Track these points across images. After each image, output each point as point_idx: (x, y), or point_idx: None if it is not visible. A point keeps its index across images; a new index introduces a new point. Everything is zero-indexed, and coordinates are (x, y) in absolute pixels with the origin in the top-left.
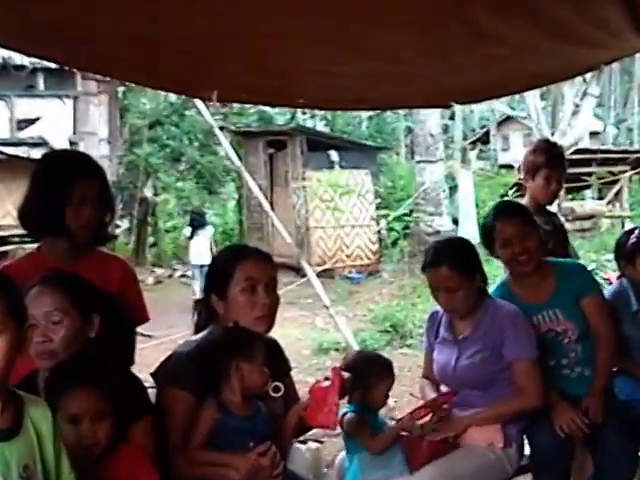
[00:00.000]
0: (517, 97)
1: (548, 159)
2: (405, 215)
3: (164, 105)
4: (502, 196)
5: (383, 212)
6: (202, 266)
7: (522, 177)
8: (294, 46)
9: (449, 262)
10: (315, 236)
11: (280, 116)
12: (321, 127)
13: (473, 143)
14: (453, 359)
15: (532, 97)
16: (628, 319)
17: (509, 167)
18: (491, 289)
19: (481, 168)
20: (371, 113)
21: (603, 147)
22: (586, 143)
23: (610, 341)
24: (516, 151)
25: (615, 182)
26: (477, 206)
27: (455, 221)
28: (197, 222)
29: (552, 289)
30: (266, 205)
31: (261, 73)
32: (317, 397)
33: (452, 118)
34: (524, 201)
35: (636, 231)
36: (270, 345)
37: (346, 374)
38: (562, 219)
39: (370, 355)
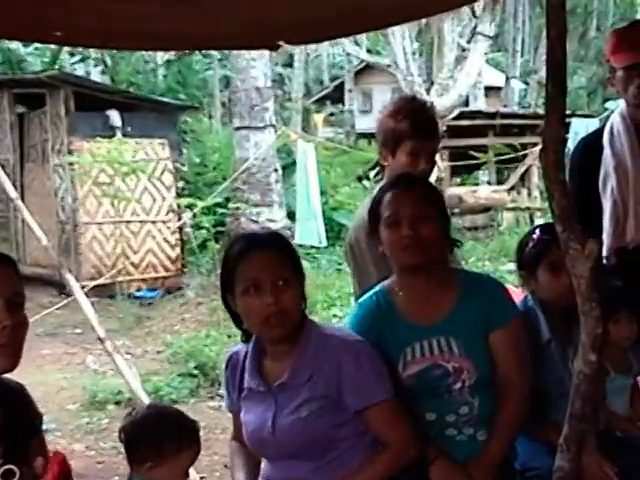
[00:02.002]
0: (380, 37)
1: (413, 125)
2: (219, 206)
3: None
4: (360, 178)
5: (187, 201)
6: None
7: (379, 152)
8: None
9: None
10: (87, 236)
11: (34, 58)
12: (97, 76)
13: (320, 102)
14: (269, 418)
15: (399, 38)
16: (538, 352)
17: (371, 136)
18: (362, 299)
19: (330, 138)
20: (170, 55)
21: (504, 109)
22: (479, 104)
23: (522, 392)
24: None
25: (521, 160)
26: (323, 193)
27: (292, 214)
28: None
29: (451, 307)
30: (12, 191)
31: None
32: None
33: (289, 65)
34: None
35: (537, 231)
36: (11, 395)
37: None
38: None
39: (166, 412)
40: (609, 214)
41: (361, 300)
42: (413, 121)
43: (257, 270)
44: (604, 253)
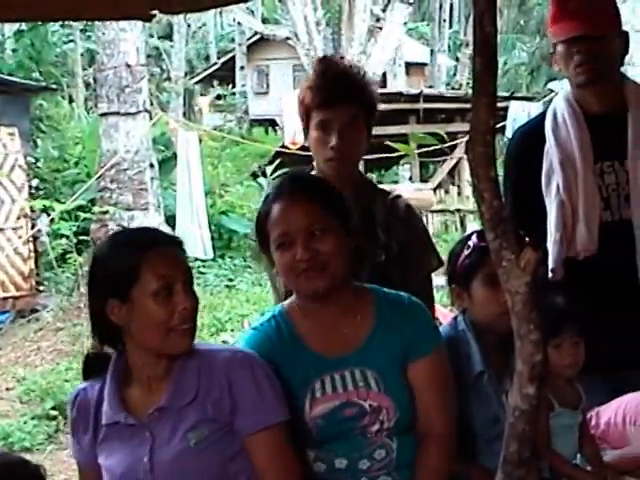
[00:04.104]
0: (277, 4)
1: (316, 90)
2: (82, 209)
3: None
4: (255, 175)
5: (43, 204)
6: None
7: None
8: None
9: None
10: None
11: None
12: None
13: (206, 82)
14: (145, 454)
15: (300, 4)
16: (468, 386)
17: (270, 124)
18: (256, 322)
19: (218, 126)
20: (20, 26)
21: (429, 91)
22: (399, 84)
23: (445, 434)
24: (280, 95)
25: (449, 152)
26: (210, 194)
27: (171, 220)
28: None
29: (366, 335)
30: None
31: None
32: None
33: (168, 37)
34: None
35: (474, 237)
36: None
37: None
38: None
39: (10, 462)
40: (555, 218)
41: (256, 324)
42: (317, 86)
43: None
44: (549, 265)
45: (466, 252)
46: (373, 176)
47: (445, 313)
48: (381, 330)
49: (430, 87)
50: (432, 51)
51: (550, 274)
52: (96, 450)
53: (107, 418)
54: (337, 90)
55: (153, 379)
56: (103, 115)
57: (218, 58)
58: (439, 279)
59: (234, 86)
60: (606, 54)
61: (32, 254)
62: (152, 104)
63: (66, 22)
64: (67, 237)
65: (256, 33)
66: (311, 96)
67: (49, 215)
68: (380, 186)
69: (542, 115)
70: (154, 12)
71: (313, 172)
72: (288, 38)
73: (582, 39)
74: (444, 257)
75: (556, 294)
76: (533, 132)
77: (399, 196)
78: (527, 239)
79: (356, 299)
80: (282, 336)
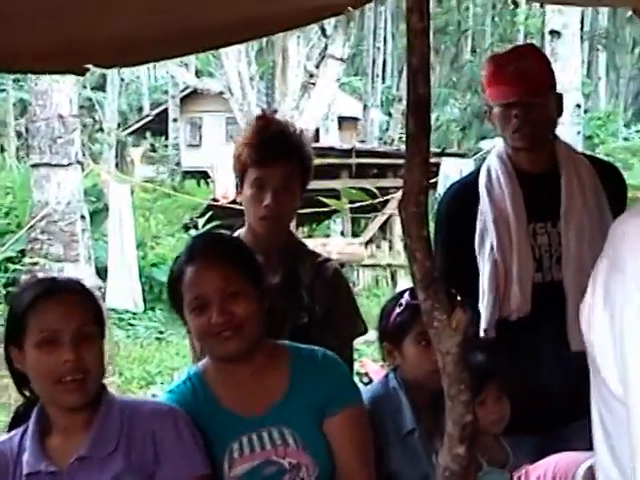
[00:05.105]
0: (211, 58)
1: (253, 148)
2: (11, 261)
3: None
4: (187, 227)
5: None
6: None
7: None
8: None
9: None
10: None
11: None
12: None
13: (138, 133)
14: None
15: (234, 59)
16: (396, 445)
17: (202, 176)
18: (172, 385)
19: (150, 178)
20: None
21: (361, 146)
22: (332, 138)
23: None
24: (212, 148)
25: (380, 208)
26: (141, 246)
27: (102, 272)
28: None
29: (282, 392)
30: None
31: None
32: None
33: (101, 88)
34: (243, 236)
35: (406, 295)
36: None
37: None
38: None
39: None
40: (488, 278)
41: (172, 386)
42: (254, 144)
43: (55, 320)
44: (482, 325)
45: (398, 310)
46: (305, 230)
47: (375, 369)
48: (297, 387)
49: (362, 142)
50: (365, 106)
51: (482, 334)
52: None
53: (29, 467)
54: (274, 149)
55: (72, 428)
56: (35, 166)
57: (151, 110)
58: (370, 334)
59: (167, 138)
60: (543, 118)
61: None
62: (84, 155)
63: None
64: None
65: (189, 86)
66: (248, 153)
67: None
68: (312, 240)
69: (476, 172)
70: (88, 66)
71: (244, 228)
72: (222, 92)
73: (520, 104)
74: (375, 313)
75: (478, 351)
76: (466, 189)
77: (328, 259)
78: (459, 297)
79: (271, 357)
80: (198, 398)
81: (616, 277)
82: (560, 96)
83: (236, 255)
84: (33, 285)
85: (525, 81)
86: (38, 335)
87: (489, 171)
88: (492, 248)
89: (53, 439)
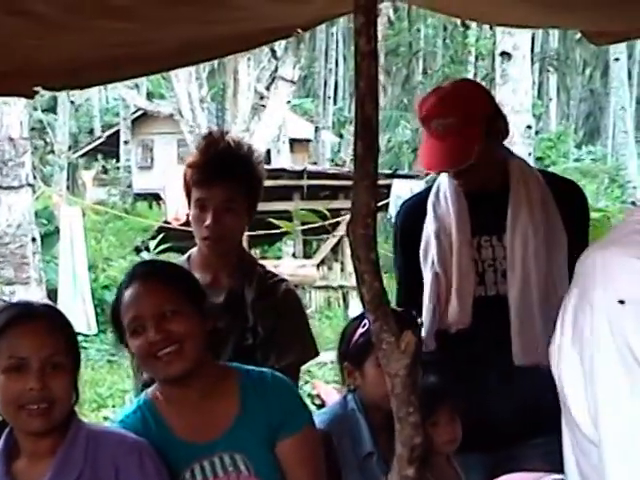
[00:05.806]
0: (162, 81)
1: (195, 169)
2: None
3: None
4: (139, 249)
5: None
6: None
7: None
8: None
9: None
10: None
11: None
12: None
13: (90, 155)
14: None
15: (185, 81)
16: (354, 470)
17: (154, 198)
18: (120, 414)
19: (101, 201)
20: None
21: (313, 167)
22: (283, 160)
23: None
24: (164, 170)
25: (332, 230)
26: (93, 268)
27: (54, 294)
28: None
29: (232, 417)
30: None
31: None
32: None
33: (52, 110)
34: (194, 256)
35: (365, 320)
36: None
37: None
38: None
39: None
40: (429, 290)
41: (122, 416)
42: (196, 164)
43: (24, 347)
44: (422, 336)
45: (361, 330)
46: (257, 252)
47: (328, 390)
48: (248, 411)
49: (314, 164)
50: (317, 128)
51: (423, 347)
52: None
53: None
54: (215, 169)
55: (37, 453)
56: None
57: (102, 132)
58: (328, 354)
59: (118, 160)
60: (482, 163)
61: None
62: (35, 178)
63: None
64: None
65: (140, 109)
66: (191, 173)
67: None
68: (263, 261)
69: (428, 190)
70: (37, 89)
71: (195, 247)
72: (172, 114)
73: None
74: (327, 335)
75: (430, 373)
76: (417, 206)
77: (283, 280)
78: (414, 313)
79: (219, 379)
80: (149, 427)
81: (585, 309)
82: (504, 118)
83: (173, 276)
84: (7, 309)
85: (457, 152)
86: (6, 361)
87: (438, 188)
88: (433, 261)
89: (20, 463)
